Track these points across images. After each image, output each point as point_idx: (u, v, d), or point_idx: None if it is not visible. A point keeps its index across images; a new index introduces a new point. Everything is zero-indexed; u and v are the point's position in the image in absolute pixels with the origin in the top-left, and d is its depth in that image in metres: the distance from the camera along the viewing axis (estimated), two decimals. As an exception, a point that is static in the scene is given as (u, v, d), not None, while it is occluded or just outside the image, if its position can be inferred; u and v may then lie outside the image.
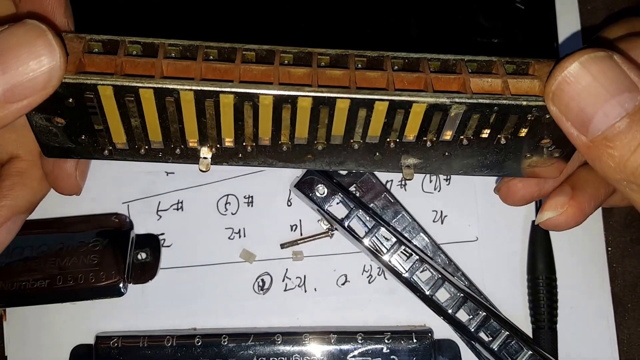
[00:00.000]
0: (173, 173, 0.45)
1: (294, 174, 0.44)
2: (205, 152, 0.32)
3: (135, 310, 0.43)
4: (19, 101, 0.26)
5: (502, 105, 0.29)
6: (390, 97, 0.28)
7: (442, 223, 0.45)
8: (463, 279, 0.43)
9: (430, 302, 0.41)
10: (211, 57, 0.29)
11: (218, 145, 0.32)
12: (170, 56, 0.29)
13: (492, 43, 0.46)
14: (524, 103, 0.29)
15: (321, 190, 0.42)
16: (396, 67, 0.30)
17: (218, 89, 0.28)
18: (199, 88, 0.28)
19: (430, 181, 0.45)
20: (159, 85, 0.28)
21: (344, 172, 0.43)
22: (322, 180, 0.42)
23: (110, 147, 0.32)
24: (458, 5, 0.47)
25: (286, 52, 0.30)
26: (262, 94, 0.28)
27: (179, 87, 0.28)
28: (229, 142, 0.31)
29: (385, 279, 0.44)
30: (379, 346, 0.41)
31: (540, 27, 0.47)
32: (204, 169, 0.32)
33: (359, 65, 0.30)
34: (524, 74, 0.30)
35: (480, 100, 0.29)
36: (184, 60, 0.29)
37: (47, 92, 0.27)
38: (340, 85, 0.29)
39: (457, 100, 0.29)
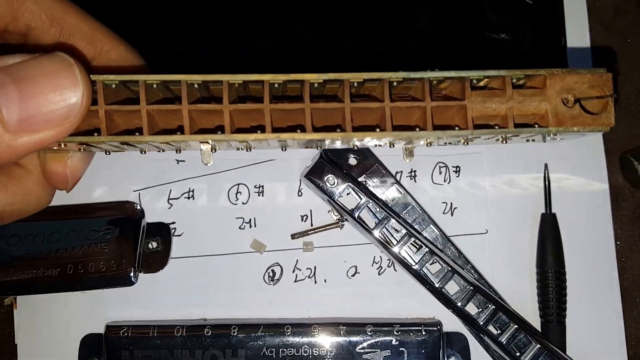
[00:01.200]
0: (184, 161, 0.44)
1: (305, 163, 0.44)
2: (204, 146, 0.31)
3: (146, 300, 0.43)
4: (33, 133, 0.24)
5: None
6: (389, 138, 0.28)
7: (452, 215, 0.45)
8: (472, 271, 0.43)
9: (440, 294, 0.41)
10: (196, 87, 0.29)
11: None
12: (152, 102, 0.29)
13: (500, 38, 0.46)
14: (527, 135, 0.28)
15: (331, 180, 0.42)
16: (395, 84, 0.29)
17: (213, 139, 0.29)
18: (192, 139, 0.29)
19: (440, 173, 0.45)
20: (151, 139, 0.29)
21: (353, 163, 0.43)
22: (332, 170, 0.42)
23: None
24: (467, 0, 0.47)
25: (276, 81, 0.28)
26: (255, 139, 0.29)
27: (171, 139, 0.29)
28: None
29: (395, 270, 0.44)
30: (388, 338, 0.41)
31: (548, 22, 0.47)
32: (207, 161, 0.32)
33: (355, 84, 0.29)
34: (533, 89, 0.29)
35: (480, 135, 0.28)
36: (170, 105, 0.28)
37: (65, 129, 0.25)
38: (334, 122, 0.29)
39: (455, 137, 0.28)
